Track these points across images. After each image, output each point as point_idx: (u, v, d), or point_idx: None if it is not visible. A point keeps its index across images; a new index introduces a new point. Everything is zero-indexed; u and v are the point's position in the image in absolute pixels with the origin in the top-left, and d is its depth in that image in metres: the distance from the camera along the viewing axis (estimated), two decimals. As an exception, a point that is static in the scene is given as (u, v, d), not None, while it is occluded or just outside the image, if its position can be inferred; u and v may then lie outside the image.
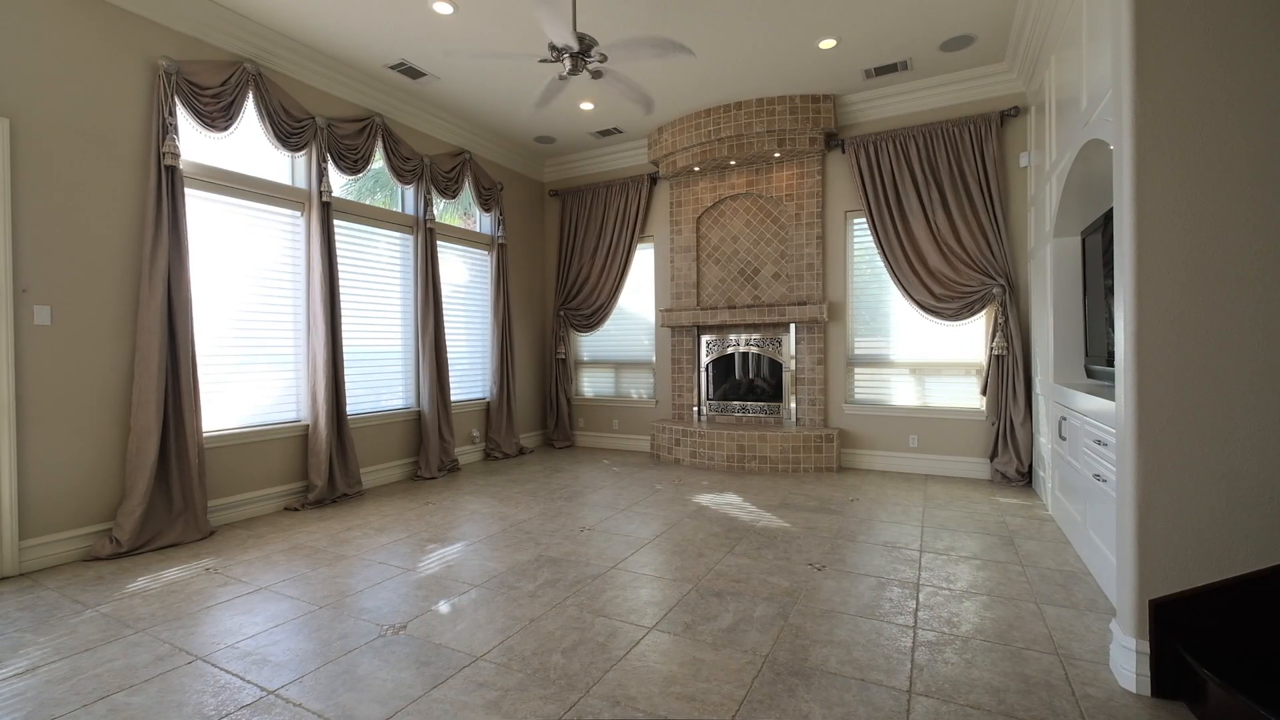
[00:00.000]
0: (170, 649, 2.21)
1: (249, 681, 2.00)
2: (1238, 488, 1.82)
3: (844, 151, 5.22)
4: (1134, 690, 1.90)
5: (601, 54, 3.23)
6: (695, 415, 5.95)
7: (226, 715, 1.82)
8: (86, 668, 2.09)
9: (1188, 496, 1.87)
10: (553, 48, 3.19)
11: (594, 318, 6.51)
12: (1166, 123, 1.87)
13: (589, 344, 6.79)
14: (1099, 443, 2.69)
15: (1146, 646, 1.90)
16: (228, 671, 2.06)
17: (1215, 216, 1.84)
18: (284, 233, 4.21)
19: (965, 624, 2.35)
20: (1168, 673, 1.87)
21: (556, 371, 6.66)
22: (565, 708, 1.83)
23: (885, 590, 2.67)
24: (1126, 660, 1.93)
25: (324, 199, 4.28)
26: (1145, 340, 1.90)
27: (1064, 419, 3.38)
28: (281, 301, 4.20)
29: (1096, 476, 2.71)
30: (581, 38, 3.17)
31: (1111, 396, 2.63)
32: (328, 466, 4.22)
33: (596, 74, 3.39)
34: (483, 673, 2.03)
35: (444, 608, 2.54)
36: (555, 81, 3.50)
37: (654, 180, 6.23)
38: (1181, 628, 1.86)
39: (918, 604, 2.53)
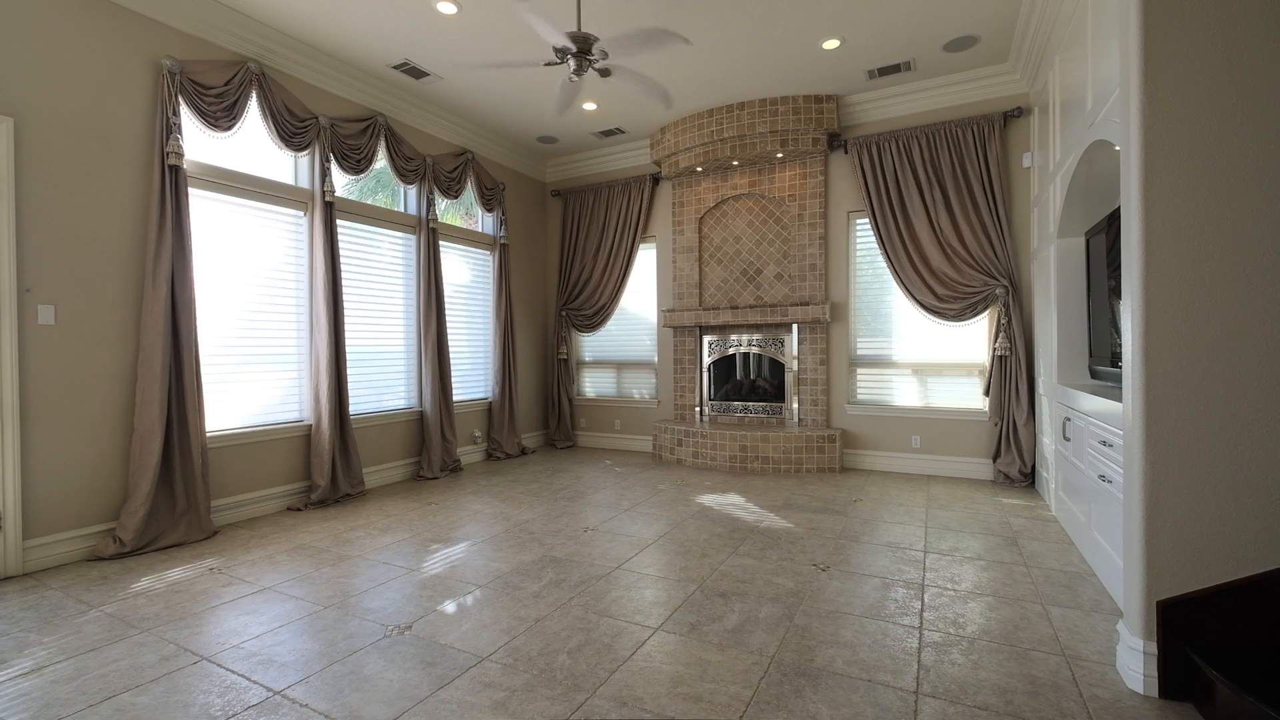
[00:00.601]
0: (175, 649, 2.21)
1: (255, 682, 1.99)
2: (1246, 489, 1.82)
3: (847, 152, 5.22)
4: (1141, 691, 1.90)
5: (603, 50, 3.22)
6: (697, 416, 5.94)
7: (233, 715, 1.81)
8: (92, 668, 2.08)
9: (1196, 497, 1.86)
10: (556, 50, 3.19)
11: (596, 318, 6.51)
12: (1175, 122, 1.87)
13: (591, 344, 6.79)
14: (1104, 444, 2.69)
15: (1154, 648, 1.89)
16: (233, 672, 2.06)
17: (1224, 217, 1.84)
18: (287, 232, 4.21)
19: (971, 625, 2.35)
20: (1175, 674, 1.87)
21: (558, 372, 6.66)
22: (572, 708, 1.83)
23: (890, 591, 2.67)
24: (1134, 661, 1.93)
25: (327, 199, 4.28)
26: (1153, 341, 1.89)
27: (1068, 420, 3.37)
28: (284, 301, 4.20)
29: (1101, 477, 2.71)
30: (584, 37, 3.17)
31: (1116, 397, 2.63)
32: (330, 466, 4.22)
33: (605, 72, 3.38)
34: (489, 673, 2.03)
35: (449, 608, 2.53)
36: (568, 84, 3.49)
37: (656, 180, 6.23)
38: (1189, 629, 1.86)
39: (923, 605, 2.53)
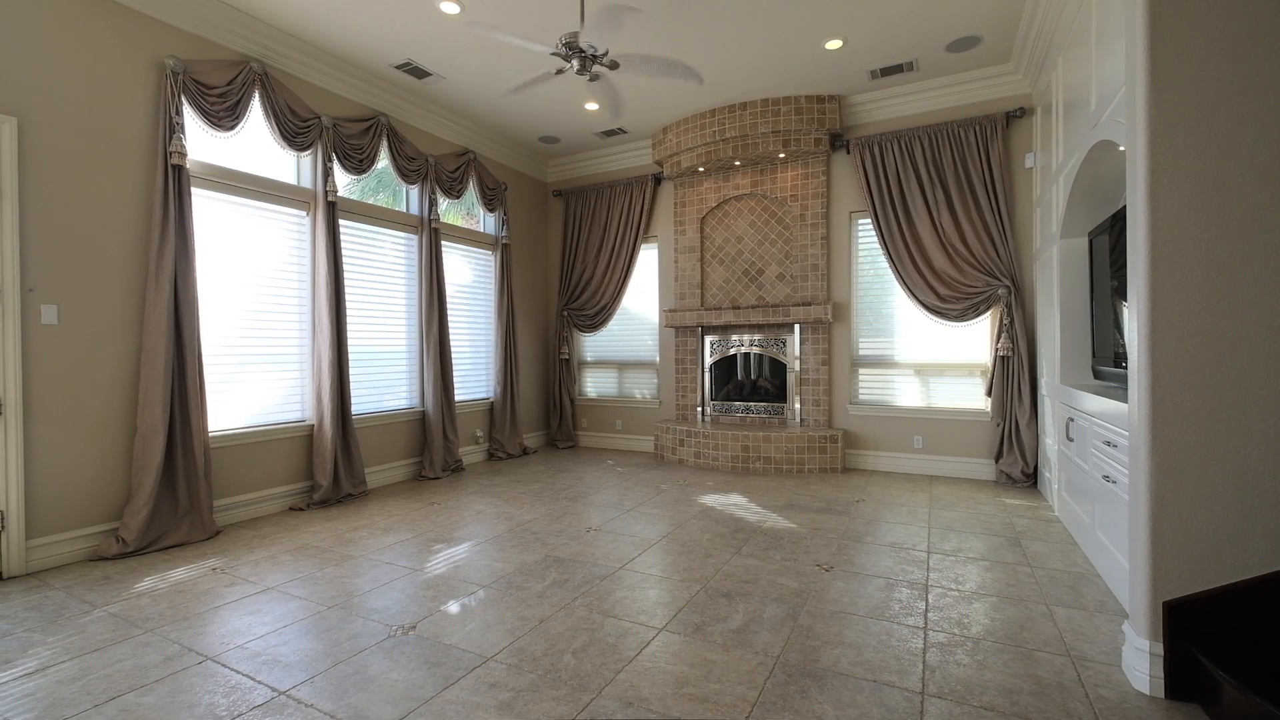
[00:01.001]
0: (179, 649, 2.21)
1: (260, 682, 1.99)
2: (1252, 489, 1.82)
3: (849, 152, 5.22)
4: (1147, 692, 1.89)
5: (613, 61, 3.23)
6: (699, 416, 5.94)
7: (238, 716, 1.81)
8: (96, 667, 2.08)
9: (1202, 498, 1.86)
10: (566, 45, 3.18)
11: (598, 318, 6.51)
12: (1181, 122, 1.87)
13: (592, 344, 6.78)
14: (1108, 444, 2.68)
15: (1160, 648, 1.89)
16: (238, 672, 2.05)
17: (1230, 217, 1.84)
18: (289, 232, 4.21)
19: (976, 625, 2.35)
20: (1181, 674, 1.87)
21: (560, 372, 6.66)
22: (578, 709, 1.83)
23: (894, 591, 2.67)
24: (1139, 662, 1.93)
25: (329, 198, 4.27)
26: (1160, 342, 1.89)
27: (1071, 420, 3.37)
28: (287, 301, 4.20)
29: (1105, 478, 2.71)
30: (604, 50, 3.19)
31: (1120, 398, 2.63)
32: (333, 466, 4.22)
33: (594, 76, 3.38)
34: (494, 673, 2.03)
35: (453, 608, 2.53)
36: (545, 75, 3.49)
37: (658, 180, 6.22)
38: (1195, 629, 1.86)
39: (927, 605, 2.53)
